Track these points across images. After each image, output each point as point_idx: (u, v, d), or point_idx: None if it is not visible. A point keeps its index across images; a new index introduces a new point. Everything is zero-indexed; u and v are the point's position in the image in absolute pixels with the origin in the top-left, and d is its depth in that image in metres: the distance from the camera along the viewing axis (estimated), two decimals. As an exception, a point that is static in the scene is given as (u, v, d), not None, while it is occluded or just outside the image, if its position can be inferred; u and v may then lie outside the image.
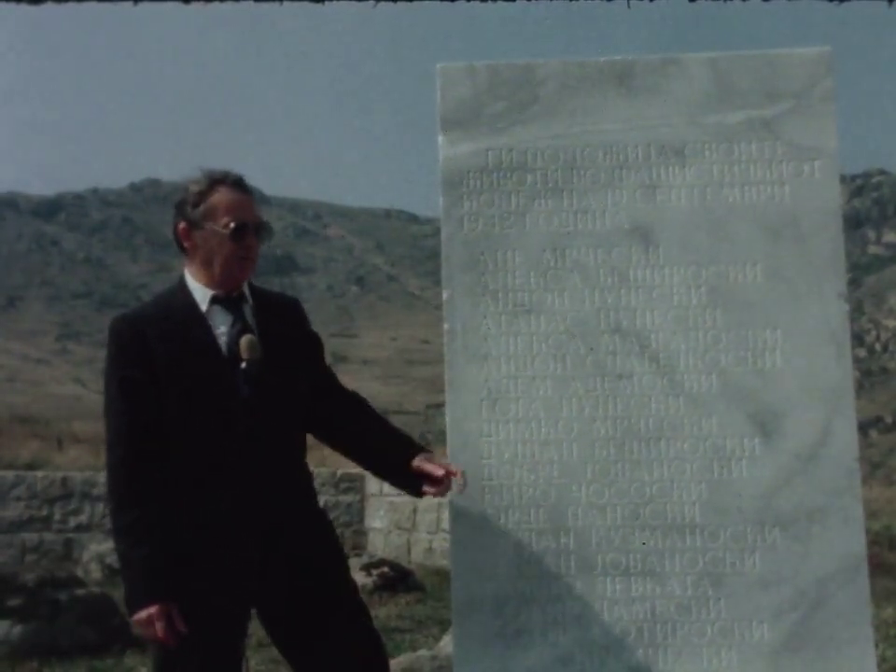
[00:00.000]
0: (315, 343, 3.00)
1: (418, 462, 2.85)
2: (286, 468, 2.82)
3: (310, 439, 2.96)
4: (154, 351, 2.72)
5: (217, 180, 2.81)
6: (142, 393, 2.71)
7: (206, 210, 2.78)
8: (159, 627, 2.59)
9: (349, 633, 2.80)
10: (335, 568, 2.87)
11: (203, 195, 2.79)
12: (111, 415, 2.75)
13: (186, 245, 2.83)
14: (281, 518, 2.76)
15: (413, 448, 2.91)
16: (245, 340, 2.76)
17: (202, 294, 2.81)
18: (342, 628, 2.78)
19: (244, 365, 2.74)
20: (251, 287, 2.91)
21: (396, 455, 2.90)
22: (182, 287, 2.85)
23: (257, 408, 2.74)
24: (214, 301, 2.81)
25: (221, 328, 2.78)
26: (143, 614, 2.61)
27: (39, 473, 12.09)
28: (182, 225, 2.81)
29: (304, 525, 2.82)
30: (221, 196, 2.79)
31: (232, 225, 2.77)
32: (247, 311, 2.84)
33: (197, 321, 2.78)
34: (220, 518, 2.70)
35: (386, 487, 11.94)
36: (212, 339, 2.76)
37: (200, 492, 2.71)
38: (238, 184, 2.83)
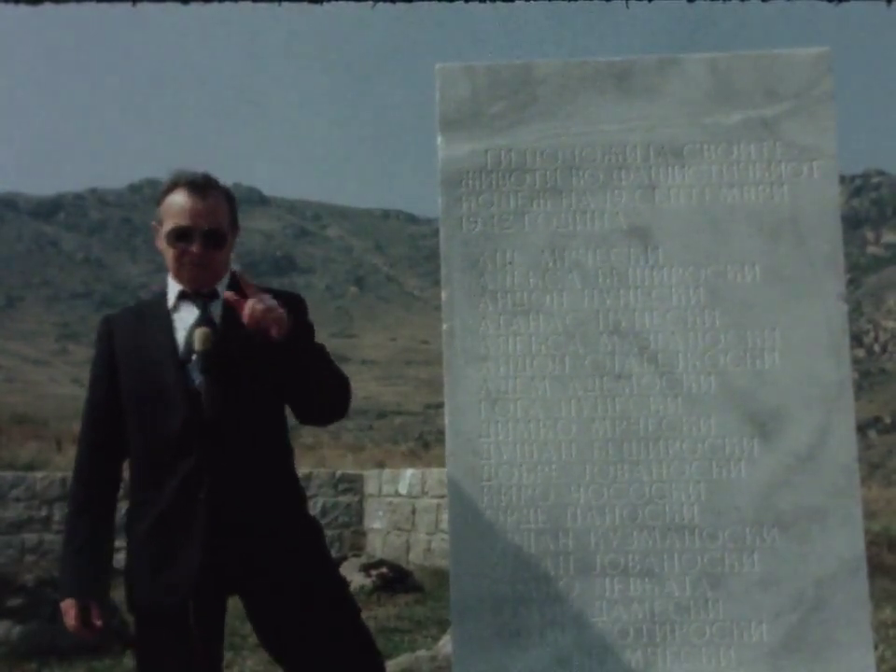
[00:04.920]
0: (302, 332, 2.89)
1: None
2: (249, 457, 2.77)
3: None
4: (116, 348, 2.84)
5: (175, 182, 2.84)
6: (102, 394, 2.85)
7: (161, 212, 2.85)
8: (71, 616, 2.76)
9: (340, 632, 2.78)
10: (317, 563, 2.84)
11: (162, 196, 2.86)
12: (83, 413, 2.93)
13: (156, 242, 2.91)
14: (247, 509, 2.72)
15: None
16: (198, 332, 2.76)
17: (172, 290, 2.88)
18: (331, 628, 2.77)
19: (193, 357, 2.75)
20: (241, 285, 2.91)
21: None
22: (164, 285, 2.93)
23: (207, 400, 2.72)
24: (182, 296, 2.86)
25: (187, 322, 2.82)
26: (61, 606, 2.79)
27: (39, 474, 12.09)
28: (153, 223, 2.92)
29: (277, 518, 2.79)
30: (172, 199, 2.83)
31: (168, 229, 2.82)
32: (216, 306, 2.85)
33: (161, 316, 2.85)
34: (165, 509, 2.72)
35: (386, 488, 11.96)
36: (168, 332, 2.81)
37: (151, 483, 2.76)
38: (192, 186, 2.81)
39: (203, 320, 2.81)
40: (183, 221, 2.79)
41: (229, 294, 2.72)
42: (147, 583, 2.74)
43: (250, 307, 2.67)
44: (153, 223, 2.91)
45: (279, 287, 2.98)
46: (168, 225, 2.81)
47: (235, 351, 2.76)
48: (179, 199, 2.81)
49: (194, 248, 2.79)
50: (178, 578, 2.69)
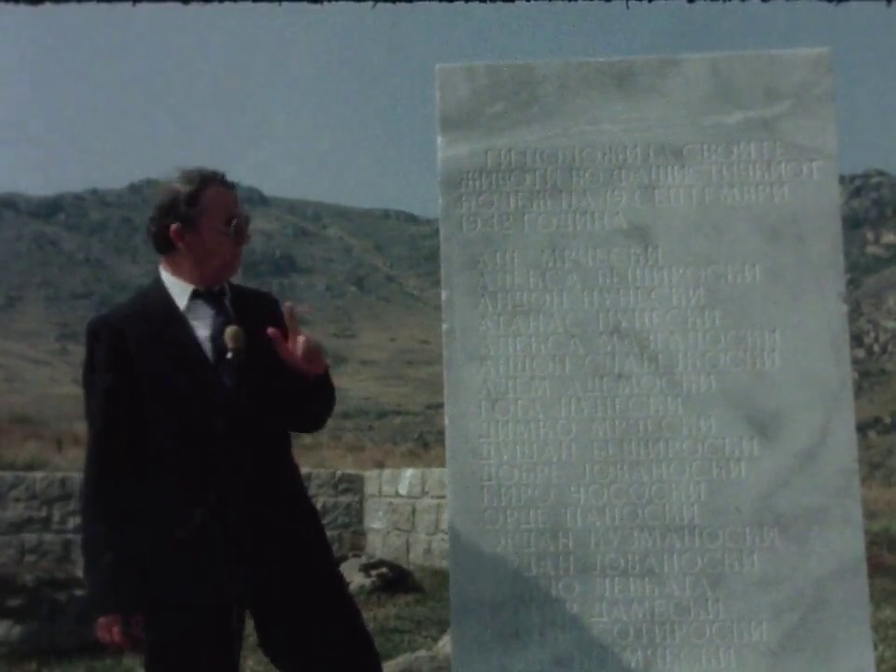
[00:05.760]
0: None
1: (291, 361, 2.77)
2: (271, 458, 2.85)
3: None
4: (132, 354, 2.73)
5: (209, 178, 2.82)
6: (121, 401, 2.73)
7: (202, 209, 2.79)
8: (115, 633, 2.68)
9: (338, 631, 2.80)
10: (322, 564, 2.88)
11: (197, 193, 2.79)
12: (91, 425, 2.78)
13: (179, 245, 2.82)
14: (268, 511, 2.77)
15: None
16: (229, 330, 2.76)
17: (180, 290, 2.82)
18: (330, 626, 2.79)
19: (229, 355, 2.75)
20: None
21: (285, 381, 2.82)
22: (158, 285, 2.86)
23: (241, 398, 2.75)
24: (194, 295, 2.82)
25: (205, 321, 2.80)
26: (102, 621, 2.70)
27: (38, 474, 12.09)
28: (175, 226, 2.80)
29: (291, 519, 2.83)
30: (214, 193, 2.81)
31: (235, 222, 2.81)
32: (227, 303, 2.87)
33: (176, 319, 2.79)
34: (208, 513, 2.71)
35: (386, 488, 11.96)
36: (191, 336, 2.78)
37: (188, 485, 2.72)
38: (223, 180, 2.85)
39: (228, 317, 2.81)
40: (235, 211, 2.83)
41: (273, 331, 2.71)
42: (192, 584, 2.70)
43: (304, 342, 2.73)
44: (176, 224, 2.79)
45: (279, 287, 3.00)
46: (223, 218, 2.80)
47: (252, 345, 2.79)
48: (223, 192, 2.82)
49: (248, 235, 2.87)
50: (226, 579, 2.71)
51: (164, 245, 2.85)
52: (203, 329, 2.79)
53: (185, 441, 2.73)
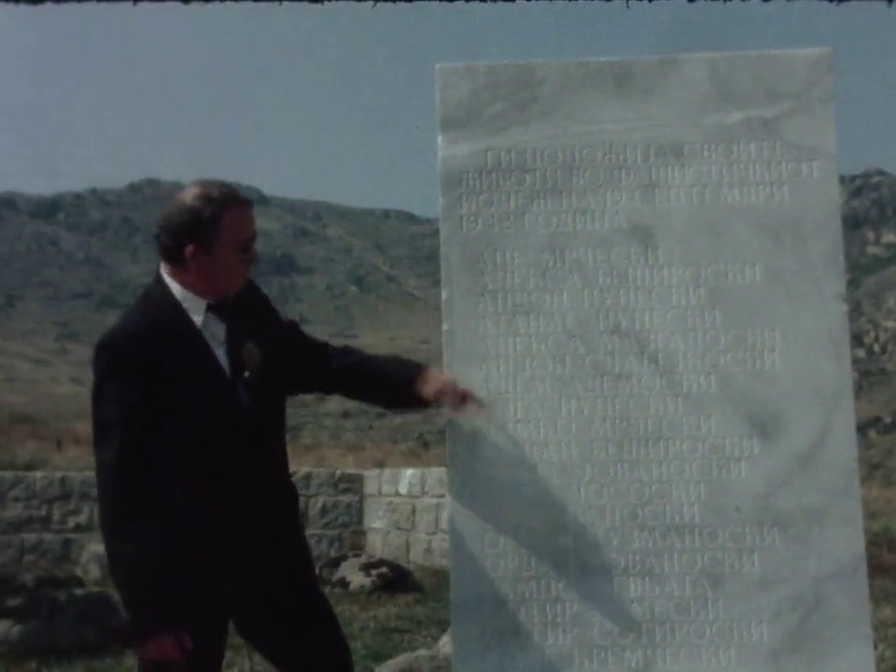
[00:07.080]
0: (278, 317, 3.00)
1: (430, 391, 2.92)
2: (279, 471, 2.91)
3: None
4: (153, 373, 2.68)
5: (229, 200, 2.75)
6: (141, 418, 2.67)
7: (219, 233, 2.73)
8: (175, 649, 2.62)
9: (317, 637, 2.84)
10: (308, 576, 2.94)
11: (217, 217, 2.72)
12: (107, 440, 2.69)
13: (190, 263, 2.75)
14: (274, 522, 2.84)
15: (410, 368, 3.00)
16: (247, 349, 2.79)
17: (195, 305, 2.77)
18: (310, 632, 2.83)
19: (247, 374, 2.77)
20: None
21: (399, 381, 2.97)
22: (167, 294, 2.79)
23: (256, 415, 2.79)
24: (207, 308, 2.79)
25: (219, 336, 2.79)
26: (156, 638, 2.63)
27: (38, 473, 12.09)
28: (191, 248, 2.73)
29: (287, 531, 2.90)
30: (234, 217, 2.75)
31: (245, 241, 2.78)
32: (235, 314, 2.85)
33: (194, 337, 2.75)
34: (227, 527, 2.73)
35: (386, 487, 11.98)
36: (210, 354, 2.76)
37: (207, 504, 2.73)
38: (244, 200, 2.79)
39: (241, 334, 2.81)
40: (251, 232, 2.81)
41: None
42: (204, 589, 2.71)
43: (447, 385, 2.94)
44: (192, 246, 2.72)
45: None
46: (240, 243, 2.77)
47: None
48: (241, 215, 2.77)
49: (256, 253, 2.85)
50: (234, 583, 2.75)
51: (175, 259, 2.77)
52: (217, 346, 2.78)
53: (202, 455, 2.73)
